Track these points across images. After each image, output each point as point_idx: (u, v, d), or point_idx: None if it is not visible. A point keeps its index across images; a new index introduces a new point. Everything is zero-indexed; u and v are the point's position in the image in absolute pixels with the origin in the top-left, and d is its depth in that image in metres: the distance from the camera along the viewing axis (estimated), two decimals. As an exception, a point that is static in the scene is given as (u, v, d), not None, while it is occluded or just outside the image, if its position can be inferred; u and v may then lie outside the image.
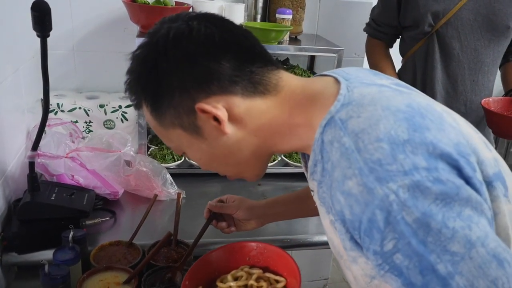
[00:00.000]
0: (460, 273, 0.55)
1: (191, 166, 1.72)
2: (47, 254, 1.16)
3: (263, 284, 0.84)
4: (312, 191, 0.77)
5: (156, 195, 1.18)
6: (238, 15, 1.67)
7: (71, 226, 1.10)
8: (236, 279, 0.87)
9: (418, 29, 1.59)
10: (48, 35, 0.99)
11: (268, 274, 0.87)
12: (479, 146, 0.65)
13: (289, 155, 1.81)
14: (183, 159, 1.72)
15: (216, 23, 0.72)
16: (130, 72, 0.74)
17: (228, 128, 0.72)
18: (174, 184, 1.52)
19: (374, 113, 0.63)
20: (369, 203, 0.58)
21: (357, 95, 0.67)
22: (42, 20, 0.94)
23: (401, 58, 1.79)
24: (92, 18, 1.77)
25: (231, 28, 0.74)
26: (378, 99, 0.65)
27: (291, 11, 1.73)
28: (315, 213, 0.78)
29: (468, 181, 0.59)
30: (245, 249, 0.93)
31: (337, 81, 0.72)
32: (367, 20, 1.82)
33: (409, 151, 0.58)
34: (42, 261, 0.95)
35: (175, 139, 0.77)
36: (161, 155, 1.70)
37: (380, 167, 0.58)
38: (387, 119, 0.61)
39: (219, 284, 0.87)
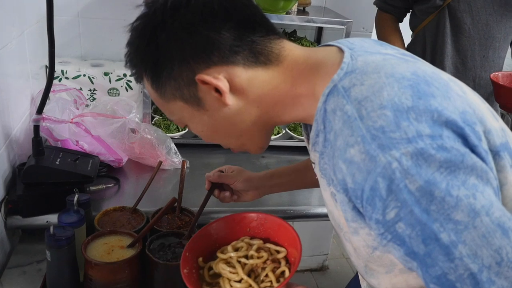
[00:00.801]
0: (464, 242, 0.54)
1: (195, 136, 1.71)
2: (51, 218, 1.17)
3: (264, 254, 0.83)
4: (313, 163, 0.76)
5: (160, 162, 1.17)
6: (246, -16, 1.63)
7: (76, 190, 1.10)
8: (236, 250, 0.86)
9: (430, 2, 1.56)
10: (54, -5, 0.97)
11: (268, 245, 0.86)
12: (486, 115, 0.63)
13: (294, 128, 1.80)
14: (187, 129, 1.72)
15: None
16: (129, 44, 0.73)
17: (230, 99, 0.71)
18: (178, 153, 1.52)
19: (377, 81, 0.61)
20: (371, 171, 0.57)
21: (361, 63, 0.65)
22: (48, -22, 0.93)
23: (411, 33, 1.77)
24: (97, -16, 1.75)
25: None
26: (382, 66, 0.64)
27: (300, -19, 1.70)
28: (314, 185, 0.77)
29: (473, 149, 0.58)
30: (245, 220, 0.92)
31: (340, 50, 0.71)
32: (376, -6, 1.79)
33: (413, 118, 0.57)
34: (47, 222, 0.96)
35: (176, 111, 0.76)
36: (165, 125, 1.70)
37: (383, 134, 0.57)
38: (391, 86, 0.60)
39: (219, 254, 0.86)
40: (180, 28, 0.68)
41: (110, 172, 1.43)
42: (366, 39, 0.76)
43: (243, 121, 0.75)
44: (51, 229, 0.95)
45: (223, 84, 0.69)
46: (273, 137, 1.76)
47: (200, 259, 0.87)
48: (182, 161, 1.18)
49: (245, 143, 0.81)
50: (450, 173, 0.55)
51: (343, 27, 1.63)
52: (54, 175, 1.20)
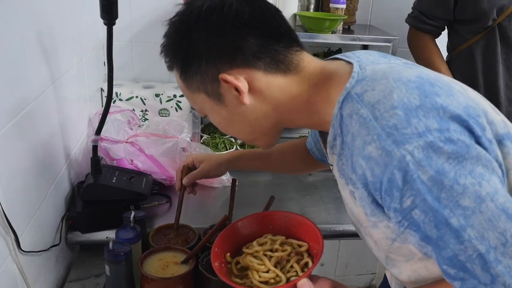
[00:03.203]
0: (472, 225, 0.60)
1: (243, 155, 1.74)
2: (107, 234, 1.22)
3: (287, 248, 0.87)
4: (331, 165, 0.81)
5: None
6: (291, 5, 1.67)
7: (132, 207, 1.15)
8: (261, 245, 0.91)
9: (480, 23, 1.52)
10: (114, 23, 1.03)
11: (290, 240, 0.91)
12: (487, 108, 0.70)
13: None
14: (234, 147, 1.75)
15: (248, 1, 0.76)
16: (166, 36, 0.80)
17: (247, 99, 0.77)
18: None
19: (387, 85, 0.67)
20: (388, 164, 0.63)
21: (370, 72, 0.72)
22: (109, 8, 0.99)
23: (446, 49, 1.72)
24: (149, 10, 1.83)
25: (261, 7, 0.77)
26: (390, 72, 0.70)
27: (345, 0, 1.72)
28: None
29: (477, 140, 0.64)
30: (268, 218, 0.97)
31: (348, 62, 0.77)
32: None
33: (422, 115, 0.63)
34: (107, 237, 1.00)
35: (199, 102, 0.82)
36: (214, 144, 1.74)
37: (396, 131, 0.63)
38: (400, 89, 0.66)
39: (245, 250, 0.90)
40: (211, 30, 0.75)
41: (162, 190, 1.48)
42: (371, 52, 0.83)
43: (257, 119, 0.81)
44: (110, 244, 0.99)
45: (243, 85, 0.75)
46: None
47: (228, 254, 0.91)
48: (232, 179, 1.21)
49: (256, 138, 0.88)
50: (458, 163, 0.61)
51: (389, 44, 1.63)
52: (111, 193, 1.25)
